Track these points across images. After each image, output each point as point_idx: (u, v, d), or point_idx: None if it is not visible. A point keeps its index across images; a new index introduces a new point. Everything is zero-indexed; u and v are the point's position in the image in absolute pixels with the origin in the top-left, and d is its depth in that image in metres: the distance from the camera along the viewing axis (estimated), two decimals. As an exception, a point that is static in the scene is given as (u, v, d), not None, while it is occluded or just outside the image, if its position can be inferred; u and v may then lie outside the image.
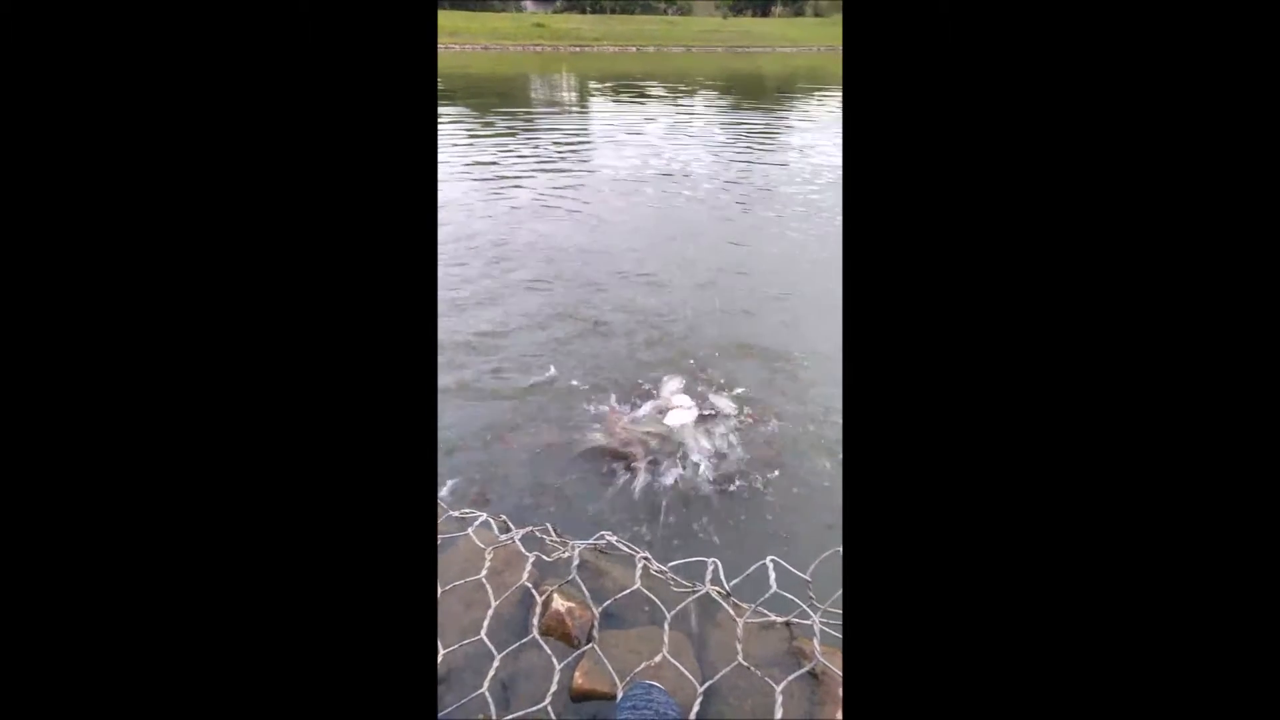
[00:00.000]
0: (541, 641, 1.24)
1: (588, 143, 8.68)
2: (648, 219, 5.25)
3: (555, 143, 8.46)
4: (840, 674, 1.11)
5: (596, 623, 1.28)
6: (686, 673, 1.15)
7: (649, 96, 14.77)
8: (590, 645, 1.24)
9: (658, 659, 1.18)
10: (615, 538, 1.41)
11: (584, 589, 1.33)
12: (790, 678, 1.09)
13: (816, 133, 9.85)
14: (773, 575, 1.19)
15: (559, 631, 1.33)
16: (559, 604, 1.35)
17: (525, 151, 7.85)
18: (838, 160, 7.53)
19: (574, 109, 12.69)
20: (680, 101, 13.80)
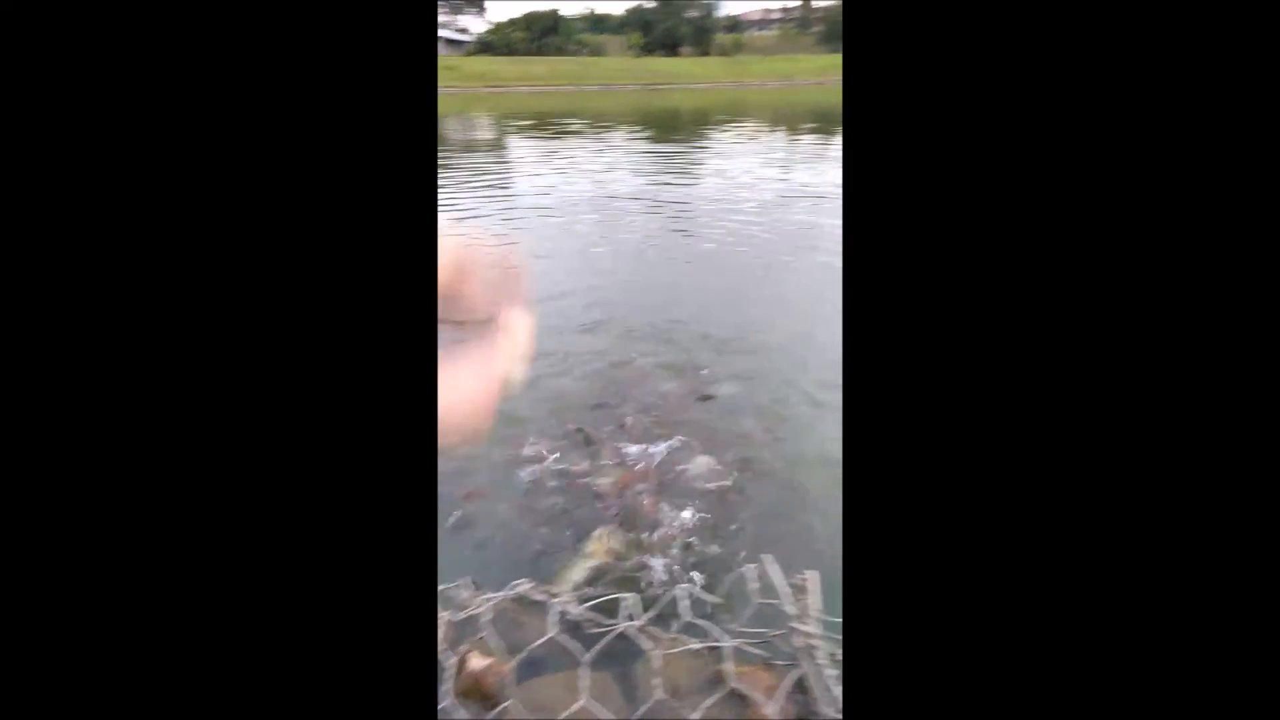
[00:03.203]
0: (460, 707, 1.17)
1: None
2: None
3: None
4: (757, 694, 1.12)
5: (514, 675, 1.23)
6: (609, 715, 1.12)
7: (572, 133, 15.07)
8: (509, 702, 1.19)
9: (578, 706, 1.14)
10: (530, 584, 1.37)
11: (500, 642, 1.28)
12: (708, 702, 1.08)
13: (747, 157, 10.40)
14: (688, 603, 1.19)
15: (477, 692, 1.26)
16: (475, 662, 1.28)
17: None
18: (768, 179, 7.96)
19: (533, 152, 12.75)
20: (603, 136, 14.17)
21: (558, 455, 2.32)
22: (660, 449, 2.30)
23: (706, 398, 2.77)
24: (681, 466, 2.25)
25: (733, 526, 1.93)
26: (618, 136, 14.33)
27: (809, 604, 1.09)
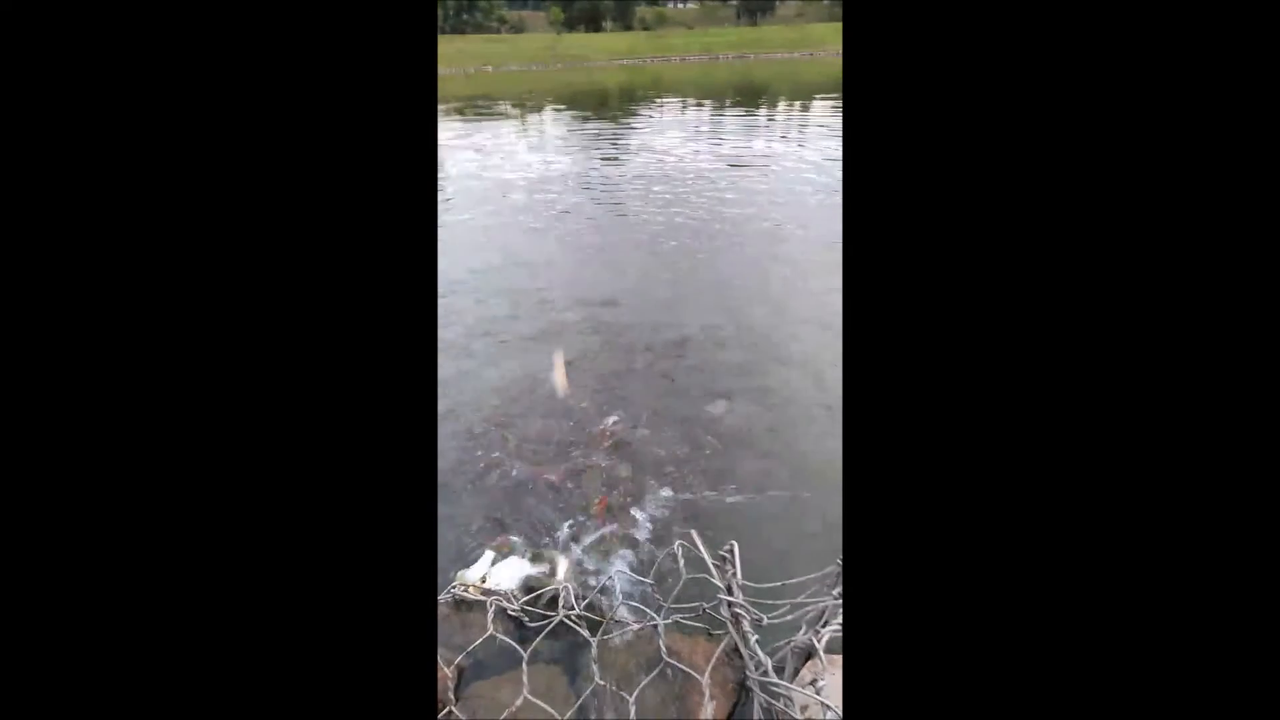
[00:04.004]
0: (399, 717, 1.15)
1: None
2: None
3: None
4: (694, 667, 1.15)
5: (453, 680, 1.21)
6: (549, 708, 1.13)
7: (499, 115, 14.53)
8: (449, 710, 1.18)
9: (519, 702, 1.15)
10: (462, 587, 1.36)
11: (439, 647, 1.26)
12: (645, 681, 1.11)
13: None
14: (618, 586, 1.21)
15: (419, 700, 1.24)
16: (414, 671, 1.26)
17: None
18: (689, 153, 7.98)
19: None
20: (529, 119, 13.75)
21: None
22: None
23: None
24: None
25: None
26: (545, 118, 13.95)
27: (733, 574, 1.13)
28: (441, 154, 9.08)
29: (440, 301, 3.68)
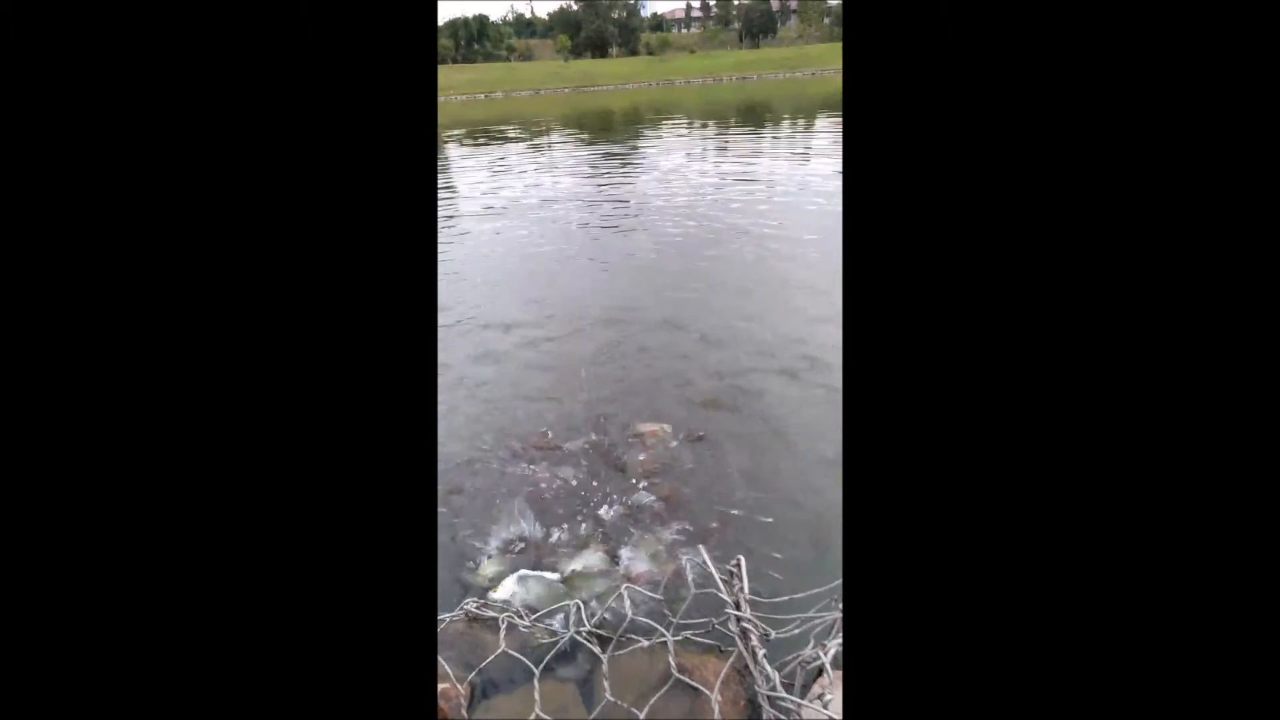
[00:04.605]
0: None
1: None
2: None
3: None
4: (704, 684, 1.16)
5: (465, 698, 1.23)
6: (560, 724, 1.14)
7: (509, 140, 14.85)
8: (463, 724, 1.19)
9: (531, 719, 1.15)
10: (476, 604, 1.37)
11: (452, 664, 1.28)
12: (655, 698, 1.12)
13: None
14: (628, 603, 1.22)
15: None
16: (427, 689, 1.27)
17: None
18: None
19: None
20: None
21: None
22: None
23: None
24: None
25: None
26: (554, 140, 14.23)
27: (741, 589, 1.14)
28: (453, 175, 9.32)
29: (445, 311, 3.76)
